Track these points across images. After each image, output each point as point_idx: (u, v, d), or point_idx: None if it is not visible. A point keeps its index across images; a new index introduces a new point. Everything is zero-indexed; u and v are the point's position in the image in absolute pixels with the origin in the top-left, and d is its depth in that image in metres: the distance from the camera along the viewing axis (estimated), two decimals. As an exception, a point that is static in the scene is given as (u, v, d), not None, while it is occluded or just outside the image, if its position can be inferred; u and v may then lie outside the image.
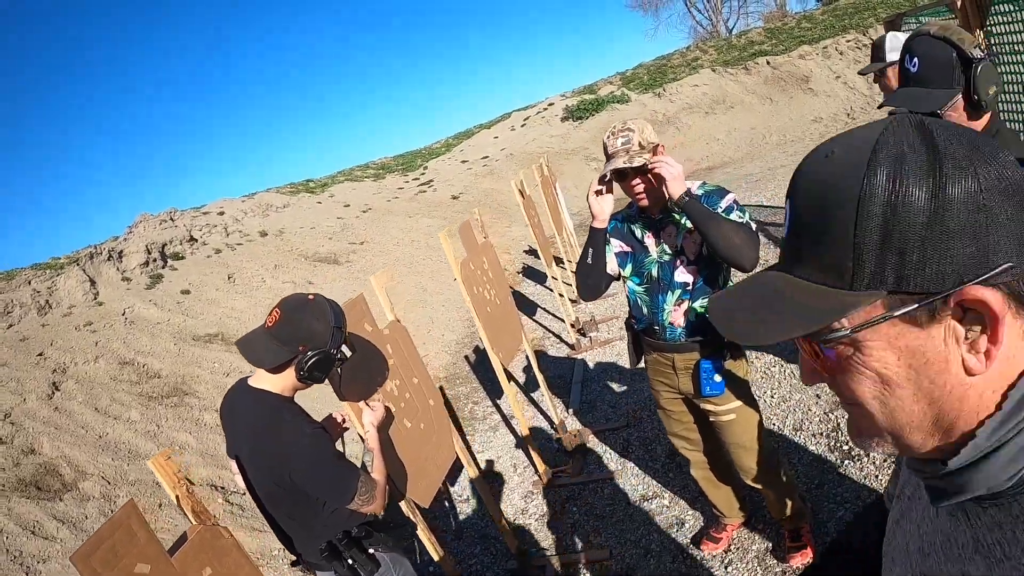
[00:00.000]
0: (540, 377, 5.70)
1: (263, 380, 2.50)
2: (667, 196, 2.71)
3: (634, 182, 2.80)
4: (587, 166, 18.82)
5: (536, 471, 5.30)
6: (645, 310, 3.05)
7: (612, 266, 3.09)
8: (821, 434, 4.47)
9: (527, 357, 5.87)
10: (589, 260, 2.99)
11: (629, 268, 3.06)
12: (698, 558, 3.84)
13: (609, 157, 2.76)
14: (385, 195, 17.38)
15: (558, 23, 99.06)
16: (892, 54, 3.86)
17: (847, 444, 4.22)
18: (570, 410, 6.34)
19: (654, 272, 2.97)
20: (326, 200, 16.81)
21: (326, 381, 2.67)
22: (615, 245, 3.09)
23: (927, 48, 2.18)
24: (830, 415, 4.61)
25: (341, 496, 2.41)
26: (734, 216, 2.72)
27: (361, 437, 2.89)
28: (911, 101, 2.21)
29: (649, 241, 2.97)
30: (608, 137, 2.80)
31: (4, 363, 7.75)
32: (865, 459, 4.00)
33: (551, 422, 5.99)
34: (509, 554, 4.47)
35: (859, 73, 4.53)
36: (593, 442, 5.58)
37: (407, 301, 10.68)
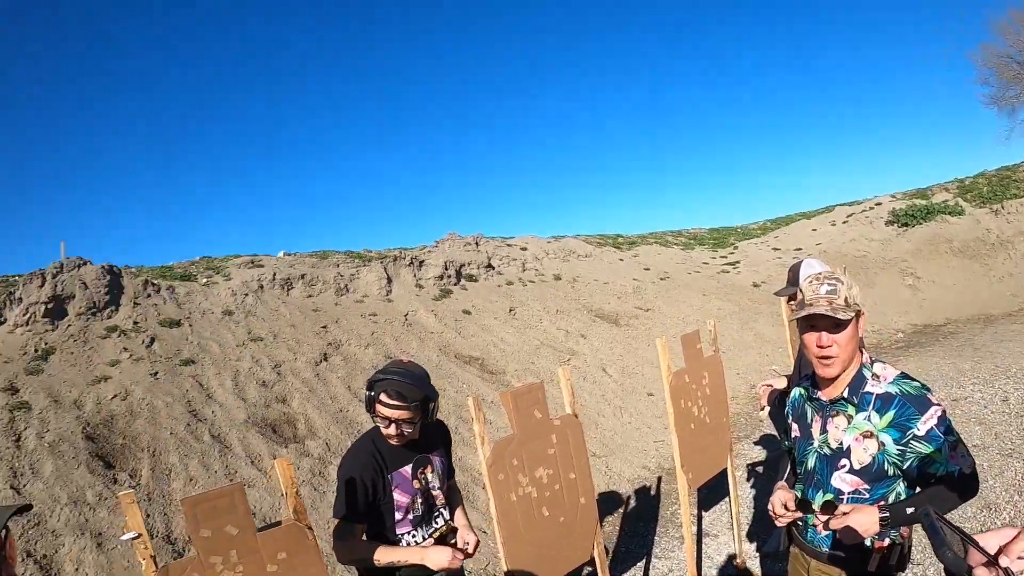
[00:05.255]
0: (734, 507, 5.59)
1: None
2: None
3: (825, 340, 2.53)
4: (902, 282, 18.08)
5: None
6: (798, 497, 2.78)
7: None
8: None
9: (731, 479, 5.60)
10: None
11: (797, 453, 2.93)
12: None
13: (805, 305, 2.55)
14: (688, 267, 18.11)
15: (905, 113, 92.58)
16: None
17: None
18: (760, 552, 5.94)
19: (810, 463, 2.77)
20: (628, 259, 17.90)
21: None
22: (792, 427, 2.95)
23: None
24: None
25: (333, 510, 3.15)
26: (929, 443, 2.44)
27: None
28: None
29: (815, 426, 2.76)
30: (810, 282, 2.58)
31: (293, 324, 9.82)
32: None
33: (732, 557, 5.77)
34: None
35: (775, 293, 4.73)
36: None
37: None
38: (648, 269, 17.18)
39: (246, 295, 10.13)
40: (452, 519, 3.49)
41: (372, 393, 3.10)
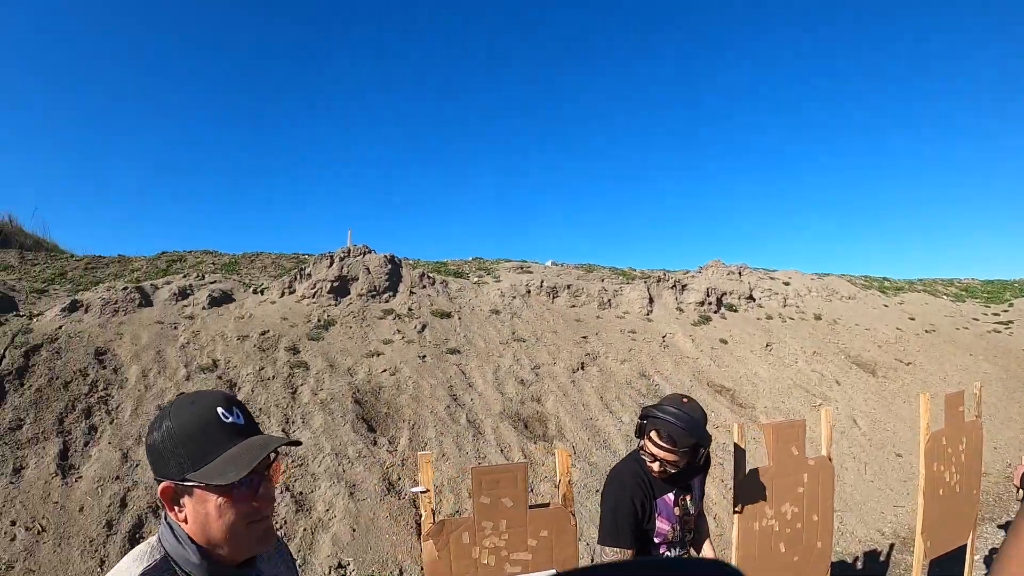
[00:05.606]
0: None
1: None
2: None
3: None
4: None
5: None
6: None
7: None
8: None
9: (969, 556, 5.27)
10: None
11: None
12: None
13: None
14: (956, 321, 16.68)
15: None
16: None
17: None
18: None
19: None
20: (893, 305, 16.81)
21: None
22: None
23: None
24: None
25: (600, 536, 3.10)
26: None
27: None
28: None
29: None
30: None
31: (555, 331, 9.97)
32: None
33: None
34: None
35: None
36: None
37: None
38: (913, 319, 16.05)
39: (513, 297, 10.44)
40: (701, 547, 3.47)
41: (644, 423, 3.09)
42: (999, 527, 7.86)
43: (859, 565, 7.27)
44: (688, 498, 3.29)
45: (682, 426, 2.93)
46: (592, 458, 7.54)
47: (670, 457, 3.00)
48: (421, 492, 2.81)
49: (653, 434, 3.01)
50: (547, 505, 3.10)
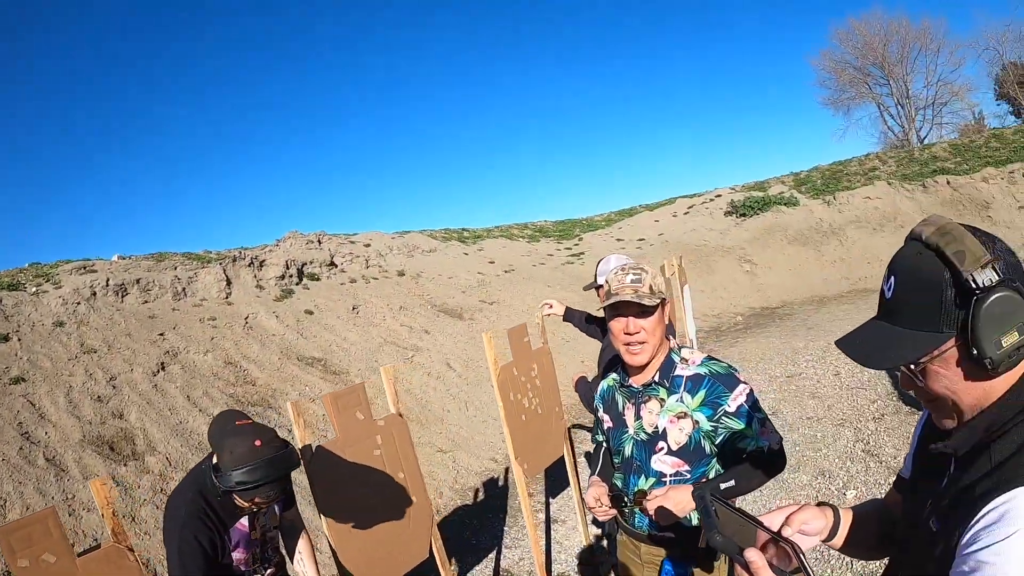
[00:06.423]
0: (575, 493, 5.64)
1: None
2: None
3: (632, 327, 2.59)
4: (740, 268, 19.38)
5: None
6: (620, 485, 2.86)
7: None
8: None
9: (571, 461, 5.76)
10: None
11: (612, 443, 2.92)
12: None
13: (612, 294, 2.60)
14: (533, 259, 18.56)
15: (745, 110, 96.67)
16: (600, 278, 4.31)
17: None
18: (606, 536, 6.10)
19: (627, 450, 2.80)
20: (473, 253, 18.18)
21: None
22: (604, 419, 2.97)
23: (910, 263, 1.28)
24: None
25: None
26: (739, 419, 2.59)
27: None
28: (869, 346, 1.37)
29: (628, 414, 2.79)
30: (616, 273, 2.64)
31: (128, 333, 9.55)
32: None
33: (595, 541, 5.95)
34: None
35: (583, 289, 5.20)
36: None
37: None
38: (493, 262, 17.49)
39: (78, 303, 9.74)
40: (294, 555, 3.42)
41: (220, 485, 2.75)
42: (586, 429, 9.04)
43: (481, 495, 7.89)
44: (266, 515, 3.17)
45: (264, 482, 2.68)
46: (189, 465, 7.32)
47: (263, 506, 2.94)
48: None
49: (236, 497, 2.79)
50: (99, 547, 2.75)
